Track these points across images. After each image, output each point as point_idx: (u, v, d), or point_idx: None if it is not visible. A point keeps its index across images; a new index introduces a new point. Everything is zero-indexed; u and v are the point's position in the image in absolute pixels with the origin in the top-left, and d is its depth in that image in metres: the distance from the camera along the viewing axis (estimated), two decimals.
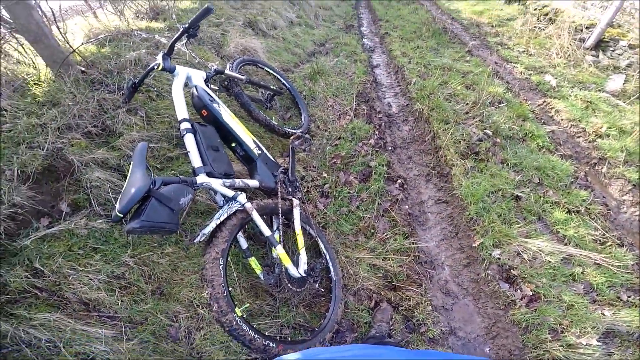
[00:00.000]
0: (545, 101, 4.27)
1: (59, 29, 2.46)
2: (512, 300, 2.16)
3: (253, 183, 2.05)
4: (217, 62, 3.38)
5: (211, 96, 2.23)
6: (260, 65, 3.32)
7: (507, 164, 3.11)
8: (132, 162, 1.49)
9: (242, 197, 1.79)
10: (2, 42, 2.34)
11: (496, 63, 5.25)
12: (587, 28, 5.53)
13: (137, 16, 3.77)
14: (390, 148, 3.44)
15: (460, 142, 3.29)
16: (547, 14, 6.41)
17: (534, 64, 5.18)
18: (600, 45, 5.30)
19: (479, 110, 3.70)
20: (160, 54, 2.07)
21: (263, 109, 3.23)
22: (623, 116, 3.89)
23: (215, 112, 2.14)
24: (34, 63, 2.40)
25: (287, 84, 3.52)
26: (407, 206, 2.81)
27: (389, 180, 2.98)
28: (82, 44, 2.67)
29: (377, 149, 3.25)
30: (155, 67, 2.07)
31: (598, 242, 2.54)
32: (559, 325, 2.00)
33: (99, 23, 3.30)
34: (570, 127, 3.84)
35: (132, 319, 1.67)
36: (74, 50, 2.41)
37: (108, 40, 2.84)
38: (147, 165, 1.49)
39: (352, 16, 8.05)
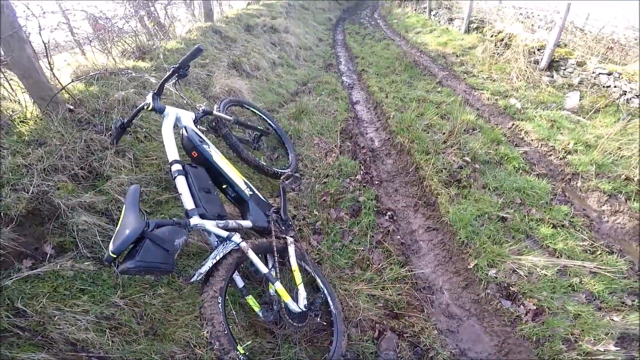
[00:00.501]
0: (514, 124, 4.51)
1: (49, 64, 2.47)
2: (517, 316, 2.15)
3: (246, 223, 2.04)
4: (204, 102, 3.44)
5: (201, 137, 2.24)
6: (246, 106, 3.40)
7: (489, 188, 3.24)
8: (124, 205, 1.48)
9: (236, 237, 1.77)
10: None
11: (465, 91, 5.60)
12: (538, 50, 6.04)
13: (124, 55, 3.81)
14: (376, 182, 3.52)
15: (442, 170, 3.42)
16: (502, 40, 6.98)
17: (498, 88, 5.55)
18: (553, 65, 5.78)
19: (456, 138, 3.89)
20: (150, 94, 2.09)
21: (251, 149, 3.26)
22: (585, 131, 4.17)
23: (206, 154, 2.15)
24: (20, 100, 2.38)
25: (273, 124, 3.59)
26: (398, 236, 2.85)
27: (378, 213, 3.03)
28: (72, 81, 2.66)
29: (364, 184, 3.33)
30: (145, 107, 2.08)
31: (588, 251, 2.61)
32: (571, 335, 2.00)
33: (87, 61, 3.33)
34: (540, 147, 4.06)
35: (124, 359, 1.59)
36: (63, 88, 2.40)
37: (96, 78, 2.87)
38: (140, 208, 1.48)
39: (330, 55, 8.49)
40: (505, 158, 3.69)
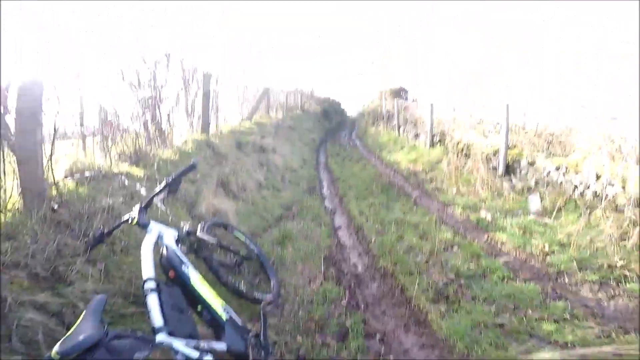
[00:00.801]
0: (488, 236, 4.68)
1: (52, 152, 2.46)
2: None
3: (220, 346, 1.89)
4: (188, 221, 3.39)
5: (181, 258, 2.17)
6: (230, 229, 3.41)
7: (479, 299, 3.23)
8: (85, 311, 1.40)
9: (209, 357, 1.65)
10: None
11: (438, 209, 5.95)
12: (494, 155, 6.63)
13: (120, 157, 3.94)
14: (363, 306, 3.47)
15: (428, 289, 3.44)
16: (462, 150, 7.71)
17: (468, 202, 5.91)
18: (509, 169, 6.28)
19: (437, 257, 4.03)
20: (137, 207, 2.09)
21: (232, 273, 3.17)
22: (556, 232, 4.38)
23: (184, 276, 2.07)
24: (7, 186, 2.30)
25: (256, 249, 3.57)
26: (391, 356, 2.72)
27: (367, 336, 2.93)
28: (65, 177, 2.67)
29: (350, 309, 3.28)
30: (130, 220, 2.07)
31: (601, 336, 2.53)
32: None
33: (85, 157, 3.42)
34: (519, 254, 4.18)
35: None
36: (55, 184, 2.37)
37: (88, 180, 2.86)
38: (102, 318, 1.39)
39: (314, 177, 9.07)
40: (488, 269, 3.75)
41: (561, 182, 5.29)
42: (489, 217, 5.18)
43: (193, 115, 6.73)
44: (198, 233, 2.69)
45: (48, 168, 2.57)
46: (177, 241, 2.31)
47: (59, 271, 2.11)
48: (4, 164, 2.38)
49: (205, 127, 6.42)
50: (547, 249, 4.00)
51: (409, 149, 10.88)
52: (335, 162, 11.02)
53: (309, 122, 17.45)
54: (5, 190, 2.38)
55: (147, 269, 1.90)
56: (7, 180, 2.42)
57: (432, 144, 9.84)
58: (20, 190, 2.33)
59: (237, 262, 3.28)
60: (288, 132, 12.54)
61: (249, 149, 7.58)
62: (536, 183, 5.73)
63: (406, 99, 16.93)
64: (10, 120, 2.36)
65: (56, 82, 3.00)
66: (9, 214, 2.26)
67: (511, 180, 6.15)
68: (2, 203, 2.30)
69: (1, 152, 2.36)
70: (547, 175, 5.55)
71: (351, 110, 29.94)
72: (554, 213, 4.85)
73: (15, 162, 2.35)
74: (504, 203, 5.60)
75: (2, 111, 2.38)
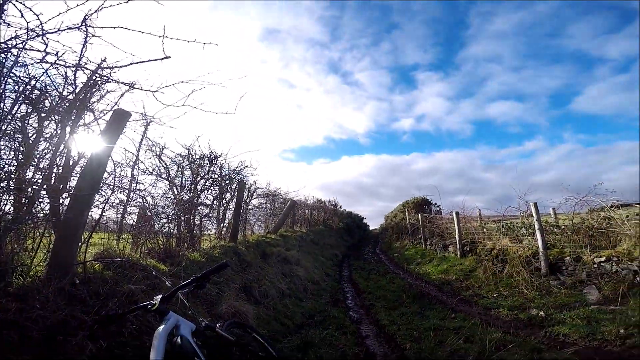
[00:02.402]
0: (546, 331, 4.33)
1: (90, 236, 2.56)
2: None
3: None
4: (207, 319, 3.29)
5: (196, 350, 2.06)
6: (249, 330, 3.22)
7: None
8: None
9: None
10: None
11: (480, 313, 5.43)
12: (533, 257, 6.27)
13: (149, 253, 3.96)
14: None
15: None
16: (497, 256, 7.34)
17: (513, 303, 5.47)
18: (553, 268, 5.90)
19: (489, 357, 3.64)
20: (160, 296, 2.07)
21: None
22: (627, 316, 4.06)
23: None
24: (36, 256, 2.37)
25: (275, 353, 3.28)
26: None
27: None
28: (95, 259, 2.71)
29: None
30: (150, 306, 2.02)
31: None
32: None
33: (118, 245, 3.49)
34: (588, 342, 3.83)
35: None
36: (83, 263, 2.44)
37: (115, 266, 2.86)
38: None
39: (337, 290, 8.64)
40: None
41: (616, 271, 5.01)
42: (542, 313, 4.79)
43: (223, 222, 7.11)
44: (217, 329, 2.64)
45: (82, 249, 2.79)
46: (194, 334, 2.29)
47: (55, 340, 2.12)
48: (41, 239, 2.68)
49: (234, 235, 6.67)
50: (622, 332, 3.72)
51: (438, 260, 10.45)
52: (361, 276, 10.57)
53: (332, 238, 17.59)
54: (33, 258, 2.59)
55: (155, 354, 1.88)
56: (40, 254, 2.66)
57: (464, 254, 9.49)
58: (48, 261, 2.54)
59: None
60: (311, 246, 12.63)
61: (273, 260, 7.65)
62: (588, 276, 5.38)
63: (430, 211, 17.04)
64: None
65: (113, 170, 3.47)
66: (29, 280, 2.40)
67: (559, 278, 5.76)
68: (25, 269, 2.46)
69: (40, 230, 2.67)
70: (599, 267, 5.26)
71: (374, 223, 30.21)
72: (619, 300, 4.54)
73: (54, 238, 2.61)
74: (555, 299, 5.17)
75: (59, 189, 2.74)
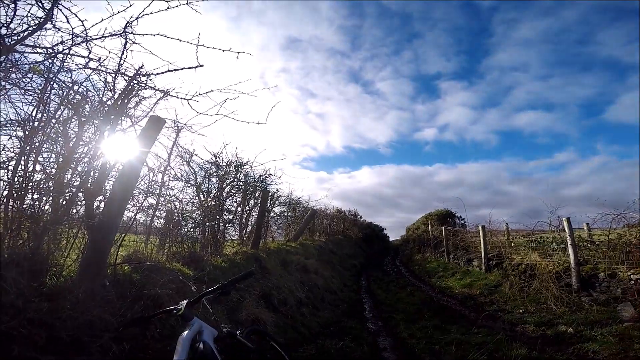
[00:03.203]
0: (575, 348, 4.18)
1: (122, 239, 2.66)
2: None
3: None
4: (229, 325, 3.36)
5: (217, 357, 2.09)
6: (268, 338, 3.23)
7: None
8: None
9: None
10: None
11: (505, 329, 5.25)
12: (564, 273, 6.01)
13: (175, 257, 4.09)
14: None
15: None
16: (525, 271, 7.05)
17: (541, 319, 5.27)
18: (586, 284, 5.64)
19: None
20: (185, 302, 2.11)
21: None
22: None
23: None
24: (69, 257, 2.42)
25: None
26: None
27: None
28: (124, 262, 2.82)
29: None
30: (175, 311, 2.07)
31: None
32: None
33: (146, 249, 3.64)
34: (623, 359, 3.70)
35: None
36: (114, 265, 2.52)
37: (143, 269, 2.94)
38: None
39: (355, 301, 8.53)
40: None
41: None
42: (570, 330, 4.62)
43: (246, 229, 7.23)
44: (238, 336, 2.66)
45: (113, 251, 2.89)
46: (215, 340, 2.32)
47: (81, 341, 2.16)
48: (74, 240, 2.80)
49: (255, 242, 6.76)
50: None
51: (461, 274, 10.15)
52: (379, 287, 10.40)
53: (351, 248, 17.43)
54: (66, 258, 2.68)
55: (178, 359, 1.90)
56: (72, 254, 2.76)
57: (489, 268, 9.19)
58: (80, 262, 2.63)
59: None
60: (329, 256, 12.58)
61: (293, 268, 7.69)
62: (624, 292, 5.14)
63: (454, 224, 16.60)
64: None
65: (145, 175, 3.62)
66: (61, 279, 2.48)
67: (591, 294, 5.51)
68: (58, 269, 2.55)
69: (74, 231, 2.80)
70: (636, 284, 5.02)
71: (394, 235, 29.61)
72: None
73: (88, 240, 2.69)
74: (586, 316, 4.96)
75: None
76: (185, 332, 2.05)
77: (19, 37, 2.41)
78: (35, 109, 2.68)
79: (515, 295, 6.63)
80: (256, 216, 7.15)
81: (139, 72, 2.93)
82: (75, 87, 2.92)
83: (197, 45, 2.72)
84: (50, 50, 2.55)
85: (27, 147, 2.60)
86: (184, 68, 2.83)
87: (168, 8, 2.67)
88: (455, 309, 6.77)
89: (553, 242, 7.43)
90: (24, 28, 2.43)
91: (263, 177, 7.42)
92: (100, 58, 2.78)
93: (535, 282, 6.50)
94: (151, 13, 2.68)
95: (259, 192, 7.36)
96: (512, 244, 9.22)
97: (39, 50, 2.54)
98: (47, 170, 2.85)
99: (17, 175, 2.57)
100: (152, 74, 2.95)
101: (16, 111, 2.62)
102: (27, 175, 2.62)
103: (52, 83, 2.73)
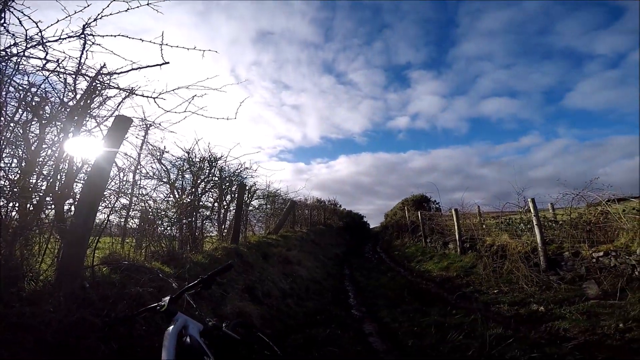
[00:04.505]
0: (546, 325, 4.40)
1: (98, 240, 2.65)
2: None
3: None
4: (214, 319, 3.36)
5: (204, 350, 2.09)
6: (254, 330, 3.27)
7: None
8: None
9: None
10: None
11: (480, 309, 5.50)
12: (533, 253, 6.35)
13: (153, 256, 4.04)
14: None
15: None
16: (496, 252, 7.39)
17: (514, 299, 5.54)
18: (552, 263, 5.98)
19: (490, 352, 3.68)
20: (168, 298, 2.11)
21: None
22: (627, 310, 4.16)
23: None
24: (44, 261, 2.41)
25: (279, 351, 3.33)
26: None
27: None
28: (102, 263, 2.78)
29: None
30: (159, 308, 2.06)
31: None
32: None
33: (122, 249, 3.58)
34: (588, 337, 3.90)
35: None
36: (92, 267, 2.50)
37: (122, 269, 2.93)
38: None
39: (339, 289, 8.68)
40: (556, 356, 3.49)
41: (615, 265, 5.09)
42: (542, 309, 4.88)
43: (225, 224, 7.16)
44: (224, 328, 2.67)
45: (89, 253, 2.85)
46: (202, 334, 2.32)
47: (69, 343, 2.15)
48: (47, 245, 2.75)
49: (235, 237, 6.70)
50: (621, 326, 3.87)
51: (439, 257, 10.51)
52: (362, 275, 10.60)
53: (332, 237, 17.63)
54: (41, 263, 2.64)
55: (167, 354, 1.90)
56: (47, 259, 2.72)
57: (464, 251, 9.55)
58: (57, 266, 2.60)
59: None
60: (312, 246, 12.64)
61: (275, 260, 7.69)
62: (587, 270, 5.46)
63: (429, 208, 17.10)
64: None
65: (115, 176, 3.51)
66: (40, 284, 2.45)
67: (558, 273, 5.84)
68: (34, 274, 2.51)
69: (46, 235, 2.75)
70: (598, 262, 5.34)
71: (374, 222, 30.17)
72: (618, 294, 4.63)
73: (62, 244, 2.65)
74: (555, 294, 5.26)
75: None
76: (171, 328, 2.04)
77: None
78: None
79: (489, 276, 6.95)
80: (234, 211, 7.09)
81: (101, 72, 2.81)
82: (33, 89, 2.80)
83: (161, 44, 2.64)
84: (3, 53, 2.40)
85: None
86: (148, 66, 2.75)
87: (128, 9, 2.57)
88: (434, 292, 7.03)
89: (521, 223, 7.81)
90: None
91: (239, 171, 7.32)
92: (58, 59, 2.68)
93: (507, 262, 6.84)
94: (110, 14, 2.58)
95: (235, 187, 7.26)
96: (484, 226, 9.59)
97: None
98: (10, 176, 2.73)
99: None
100: (115, 73, 2.87)
101: None
102: None
103: (7, 86, 2.59)
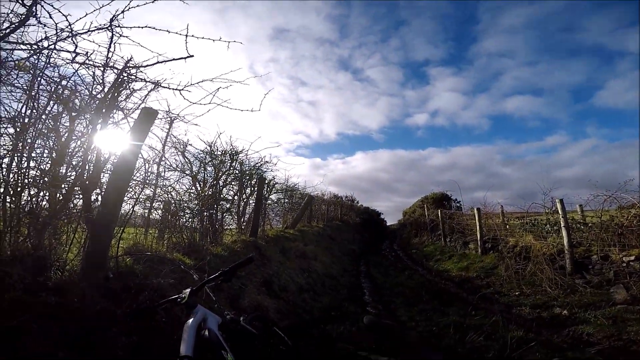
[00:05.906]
0: (569, 330, 4.25)
1: (122, 231, 2.72)
2: None
3: None
4: (232, 312, 3.41)
5: (222, 343, 2.10)
6: (270, 324, 3.29)
7: None
8: None
9: None
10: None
11: (502, 311, 5.35)
12: (558, 255, 6.12)
13: (175, 247, 4.15)
14: None
15: None
16: (520, 253, 7.17)
17: (536, 302, 5.39)
18: (579, 266, 5.75)
19: (510, 355, 3.60)
20: (188, 290, 2.13)
21: None
22: None
23: None
24: (70, 251, 2.46)
25: (293, 347, 3.35)
26: None
27: None
28: (126, 254, 2.88)
29: None
30: (179, 300, 2.09)
31: None
32: None
33: (145, 240, 3.70)
34: (615, 342, 3.77)
35: None
36: (116, 257, 2.58)
37: (144, 260, 3.00)
38: None
39: (355, 285, 8.65)
40: None
41: None
42: (565, 312, 4.73)
43: (244, 217, 7.25)
44: (242, 322, 2.68)
45: (114, 244, 2.92)
46: (220, 327, 2.33)
47: (90, 334, 2.18)
48: (74, 235, 2.86)
49: (254, 230, 6.77)
50: None
51: (458, 257, 10.30)
52: (378, 272, 10.53)
53: (349, 233, 17.56)
54: (67, 252, 2.72)
55: (186, 347, 1.89)
56: (74, 248, 2.80)
57: (485, 251, 9.32)
58: (82, 256, 2.67)
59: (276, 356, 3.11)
60: (329, 242, 12.65)
61: (292, 255, 7.74)
62: (616, 275, 5.24)
63: (450, 206, 16.75)
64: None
65: (141, 167, 3.61)
66: (66, 274, 2.51)
67: (584, 277, 5.61)
68: (61, 263, 2.59)
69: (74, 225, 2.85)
70: (628, 266, 5.11)
71: (391, 219, 29.81)
72: None
73: (88, 233, 2.72)
74: (580, 298, 5.08)
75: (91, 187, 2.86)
76: (190, 320, 2.05)
77: (1, 34, 2.34)
78: (24, 106, 2.65)
79: (511, 277, 6.76)
80: (253, 204, 7.16)
81: (128, 64, 2.87)
82: (64, 82, 2.89)
83: (187, 36, 2.67)
84: (35, 47, 2.49)
85: (20, 144, 2.57)
86: (174, 59, 2.79)
87: (155, 0, 2.60)
88: (453, 292, 6.90)
89: (547, 224, 7.54)
90: (5, 26, 2.37)
91: (259, 164, 7.39)
92: (87, 52, 2.73)
93: (530, 264, 6.62)
94: (137, 6, 2.63)
95: (255, 180, 7.33)
96: (507, 226, 9.32)
97: (22, 46, 2.48)
98: (42, 166, 2.84)
99: (11, 172, 2.55)
100: (142, 65, 2.91)
101: (5, 109, 2.59)
102: (22, 171, 2.60)
103: (39, 79, 2.69)
